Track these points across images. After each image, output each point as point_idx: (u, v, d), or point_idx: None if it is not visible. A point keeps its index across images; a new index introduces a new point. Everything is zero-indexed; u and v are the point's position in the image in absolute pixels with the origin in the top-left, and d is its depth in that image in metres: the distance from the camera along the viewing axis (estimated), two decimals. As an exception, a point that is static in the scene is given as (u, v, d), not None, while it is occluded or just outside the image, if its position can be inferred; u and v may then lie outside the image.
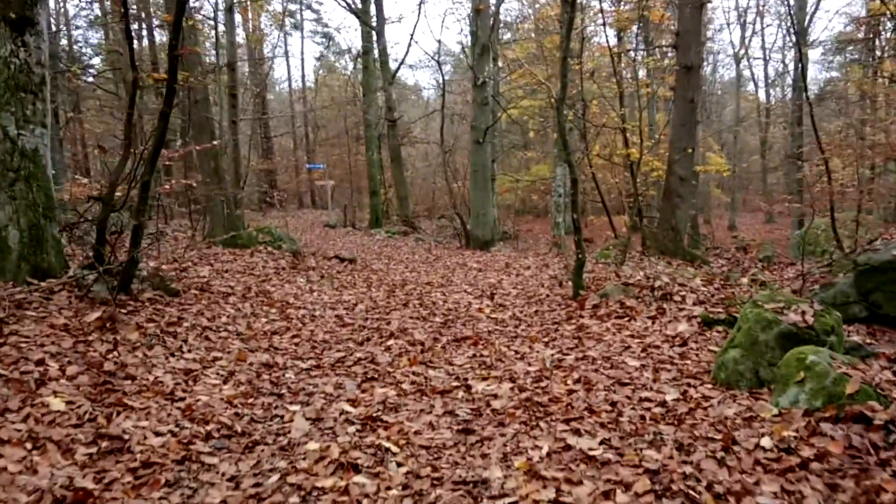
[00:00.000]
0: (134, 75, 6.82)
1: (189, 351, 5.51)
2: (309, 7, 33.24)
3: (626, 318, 6.77)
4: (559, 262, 12.60)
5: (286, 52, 37.10)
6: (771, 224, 33.01)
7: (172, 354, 5.35)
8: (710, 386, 4.73)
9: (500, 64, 24.66)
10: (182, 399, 4.55)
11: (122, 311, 6.02)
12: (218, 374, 5.18)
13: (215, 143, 11.38)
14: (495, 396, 4.80)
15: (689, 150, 12.16)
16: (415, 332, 6.91)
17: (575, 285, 7.81)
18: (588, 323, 6.81)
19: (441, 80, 20.69)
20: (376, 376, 5.39)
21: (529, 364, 5.59)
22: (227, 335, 6.19)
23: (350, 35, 66.66)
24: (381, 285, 10.53)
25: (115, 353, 5.06)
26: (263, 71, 29.04)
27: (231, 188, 15.94)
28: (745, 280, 8.53)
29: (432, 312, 8.01)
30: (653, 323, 6.58)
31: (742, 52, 33.05)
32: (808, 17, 26.39)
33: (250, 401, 4.72)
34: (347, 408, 4.61)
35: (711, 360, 5.30)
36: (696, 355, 5.53)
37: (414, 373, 5.49)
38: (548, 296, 8.52)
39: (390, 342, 6.51)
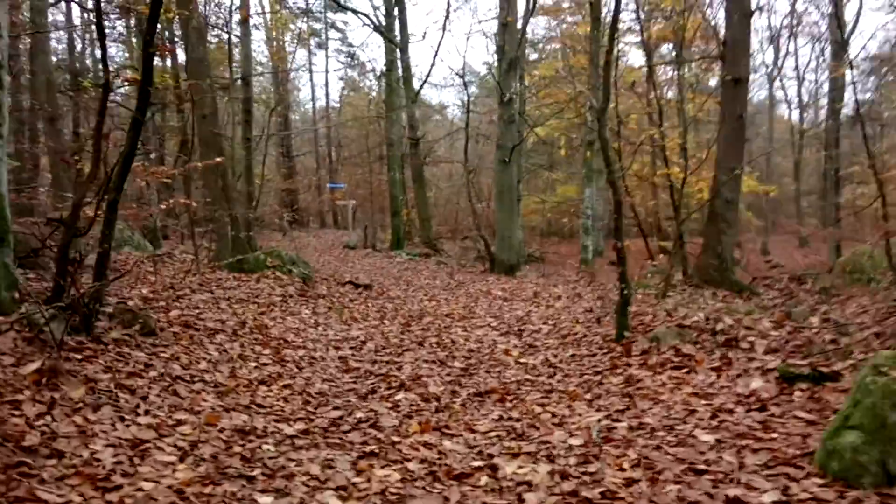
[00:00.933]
0: (105, 76, 5.76)
1: (146, 412, 4.35)
2: (333, 26, 32.46)
3: (685, 370, 5.52)
4: (592, 291, 11.36)
5: (310, 71, 36.45)
6: (805, 248, 31.44)
7: (122, 418, 4.18)
8: (818, 480, 3.47)
9: (526, 83, 23.58)
10: (117, 488, 3.39)
11: (78, 356, 4.89)
12: (176, 445, 4.00)
13: (219, 159, 10.33)
14: (529, 486, 3.59)
15: (738, 171, 10.90)
16: (429, 382, 5.72)
17: (619, 325, 6.58)
18: (638, 374, 5.57)
19: (466, 98, 19.60)
20: (378, 449, 4.18)
21: (571, 434, 4.36)
22: (202, 387, 5.03)
23: (374, 53, 66.20)
24: (395, 317, 9.36)
25: (48, 417, 3.93)
26: (286, 88, 28.23)
27: (243, 208, 14.92)
28: (814, 320, 7.24)
29: (451, 354, 6.81)
30: (718, 377, 5.32)
31: (775, 72, 31.72)
32: (847, 33, 24.97)
33: (208, 489, 3.53)
34: (335, 502, 3.42)
35: (806, 433, 4.04)
36: (783, 426, 4.26)
37: (425, 444, 4.29)
38: (585, 335, 7.28)
39: (399, 396, 5.30)
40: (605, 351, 6.37)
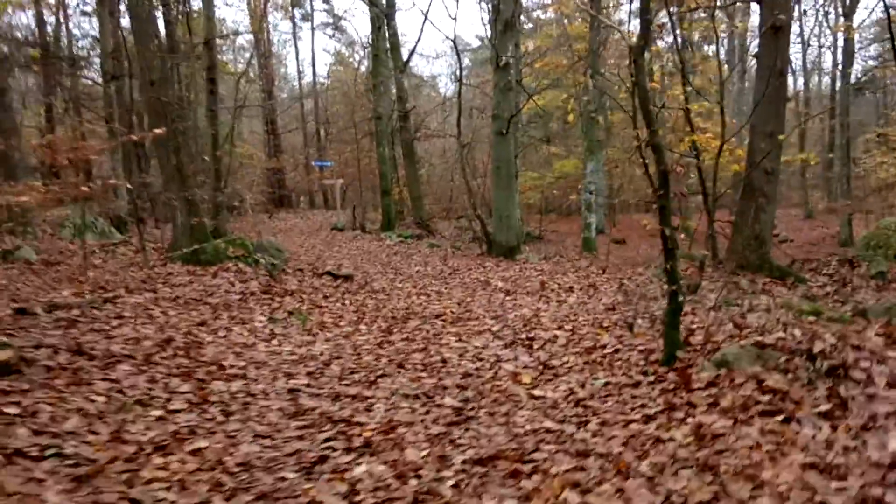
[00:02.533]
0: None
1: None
2: (319, -4, 30.24)
3: (780, 418, 3.66)
4: (608, 280, 9.49)
5: (295, 45, 34.16)
6: (811, 221, 29.60)
7: None
8: None
9: (521, 50, 21.52)
10: None
11: None
12: None
13: (159, 130, 8.36)
14: None
15: (779, 136, 9.01)
16: (408, 437, 3.85)
17: (668, 342, 4.70)
18: (712, 423, 3.70)
19: (457, 66, 17.52)
20: None
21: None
22: (51, 468, 3.16)
23: (361, 23, 63.66)
24: (376, 319, 7.49)
25: None
26: (269, 63, 26.11)
27: (210, 188, 13.01)
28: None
29: (440, 382, 4.93)
30: (834, 429, 3.46)
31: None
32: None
33: None
34: None
35: None
36: None
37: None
38: (616, 350, 5.41)
39: (361, 469, 3.43)
40: (653, 379, 4.50)
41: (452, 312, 7.77)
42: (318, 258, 14.20)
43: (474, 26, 68.25)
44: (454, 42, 15.50)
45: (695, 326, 5.40)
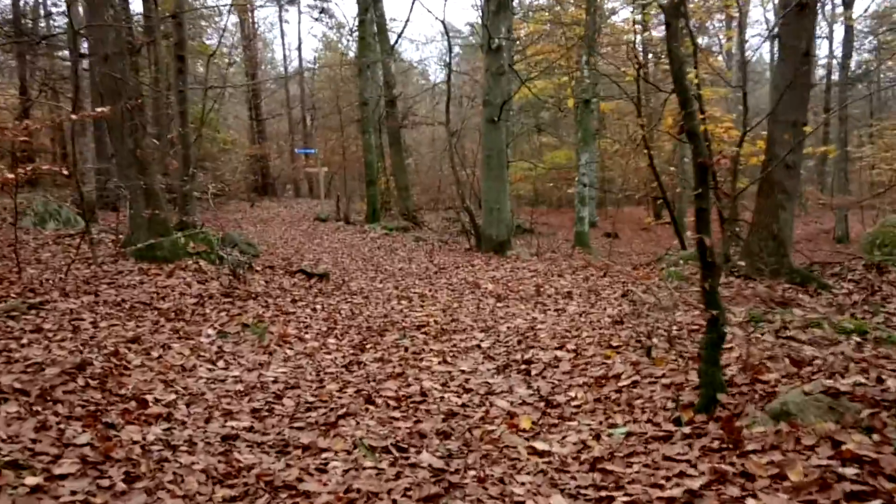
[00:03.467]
0: None
1: None
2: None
3: (878, 505, 2.63)
4: (610, 283, 8.44)
5: (281, 29, 32.90)
6: (805, 216, 28.69)
7: None
8: None
9: (513, 35, 20.38)
10: None
11: None
12: None
13: (102, 110, 7.21)
14: None
15: (803, 126, 7.97)
16: (370, 521, 2.81)
17: (707, 382, 3.64)
18: (780, 510, 2.68)
19: (447, 43, 16.34)
20: None
21: None
22: None
23: (350, 7, 62.18)
24: (347, 331, 6.41)
25: None
26: (253, 45, 24.80)
27: (169, 177, 11.86)
28: None
29: (417, 427, 3.84)
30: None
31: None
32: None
33: None
34: None
35: None
36: None
37: None
38: (634, 381, 4.35)
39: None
40: (689, 431, 3.45)
41: (436, 322, 6.70)
42: (296, 251, 13.11)
43: (465, 12, 67.00)
44: (443, 23, 14.34)
45: (731, 354, 4.33)
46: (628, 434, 3.56)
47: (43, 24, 19.85)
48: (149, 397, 4.02)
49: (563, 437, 3.61)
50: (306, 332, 6.21)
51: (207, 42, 25.66)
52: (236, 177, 25.71)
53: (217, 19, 20.69)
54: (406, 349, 5.62)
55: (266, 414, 4.03)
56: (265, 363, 5.05)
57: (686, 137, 3.84)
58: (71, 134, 9.41)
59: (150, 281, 7.46)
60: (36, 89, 19.84)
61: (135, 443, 3.42)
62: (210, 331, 5.59)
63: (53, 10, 19.79)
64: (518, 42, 21.92)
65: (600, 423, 3.78)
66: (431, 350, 5.59)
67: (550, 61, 20.24)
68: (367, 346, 5.77)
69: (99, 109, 7.07)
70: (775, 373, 3.83)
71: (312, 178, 26.91)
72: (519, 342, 5.74)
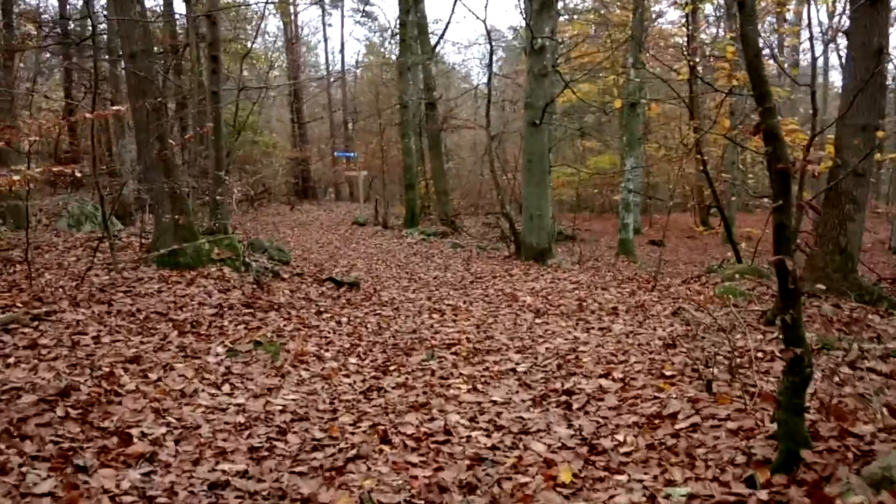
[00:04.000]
0: None
1: None
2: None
3: None
4: (659, 298, 7.72)
5: (324, 32, 32.68)
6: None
7: None
8: None
9: (557, 39, 19.66)
10: None
11: None
12: None
13: (111, 110, 6.78)
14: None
15: (875, 131, 7.17)
16: None
17: (787, 434, 2.96)
18: None
19: (488, 44, 15.68)
20: None
21: None
22: None
23: (392, 9, 61.94)
24: (372, 348, 5.85)
25: None
26: (296, 49, 24.48)
27: (211, 178, 11.48)
28: None
29: (436, 478, 3.24)
30: None
31: (829, 33, 27.20)
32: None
33: None
34: None
35: None
36: None
37: None
38: (694, 426, 3.66)
39: None
40: (767, 498, 2.78)
41: (469, 340, 6.09)
42: (330, 257, 12.65)
43: (508, 15, 66.20)
44: (485, 23, 13.72)
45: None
46: (690, 496, 2.90)
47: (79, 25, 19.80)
48: (134, 431, 3.50)
49: (611, 498, 2.97)
50: (327, 350, 5.66)
51: (251, 45, 25.53)
52: (277, 180, 25.51)
53: (256, 21, 20.39)
54: (433, 372, 5.03)
55: (265, 454, 3.47)
56: (275, 388, 4.50)
57: (763, 138, 3.16)
58: (91, 133, 9.05)
59: (169, 289, 7.01)
60: (81, 91, 19.83)
61: (105, 492, 2.89)
62: (220, 349, 5.07)
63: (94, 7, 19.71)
64: (562, 44, 21.21)
65: (654, 478, 3.13)
66: (461, 374, 4.98)
67: (595, 64, 19.48)
68: (391, 368, 5.19)
69: (115, 108, 6.66)
70: (870, 424, 3.13)
71: (353, 182, 26.53)
72: (559, 367, 5.10)
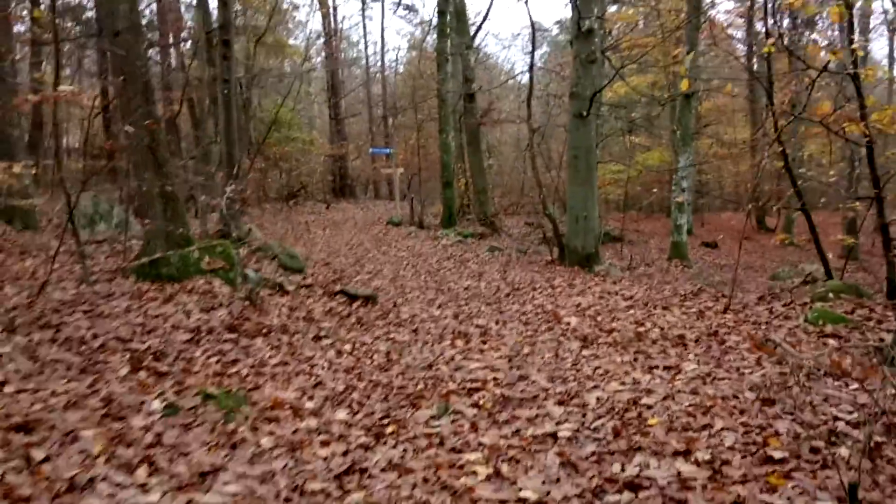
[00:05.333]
0: None
1: None
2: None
3: None
4: (734, 324, 6.13)
5: (364, 26, 31.45)
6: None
7: None
8: None
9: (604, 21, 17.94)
10: None
11: None
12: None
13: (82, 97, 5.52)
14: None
15: None
16: None
17: None
18: None
19: (530, 28, 14.12)
20: None
21: None
22: None
23: (433, 3, 60.75)
24: (370, 395, 4.44)
25: None
26: (334, 43, 23.22)
27: (218, 179, 10.24)
28: None
29: None
30: None
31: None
32: None
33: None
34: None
35: None
36: None
37: None
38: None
39: None
40: None
41: (497, 382, 4.64)
42: (356, 261, 11.32)
43: (553, 10, 64.25)
44: (526, 3, 12.14)
45: None
46: None
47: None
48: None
49: None
50: (311, 397, 4.28)
51: (292, 41, 24.44)
52: (315, 178, 24.37)
53: (294, 14, 19.21)
54: (442, 441, 3.59)
55: None
56: (214, 470, 3.11)
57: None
58: (89, 120, 7.83)
59: (140, 308, 5.72)
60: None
61: None
62: (156, 403, 3.70)
63: None
64: (610, 34, 19.49)
65: None
66: (480, 444, 3.53)
67: (646, 50, 17.73)
68: (388, 430, 3.77)
69: (65, 88, 5.37)
70: None
71: (390, 180, 25.25)
72: (616, 433, 3.61)
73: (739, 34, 24.77)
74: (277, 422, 3.79)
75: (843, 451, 3.16)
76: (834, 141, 19.96)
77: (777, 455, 3.17)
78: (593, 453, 3.40)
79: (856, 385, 4.19)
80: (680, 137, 15.77)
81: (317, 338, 5.72)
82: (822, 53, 7.58)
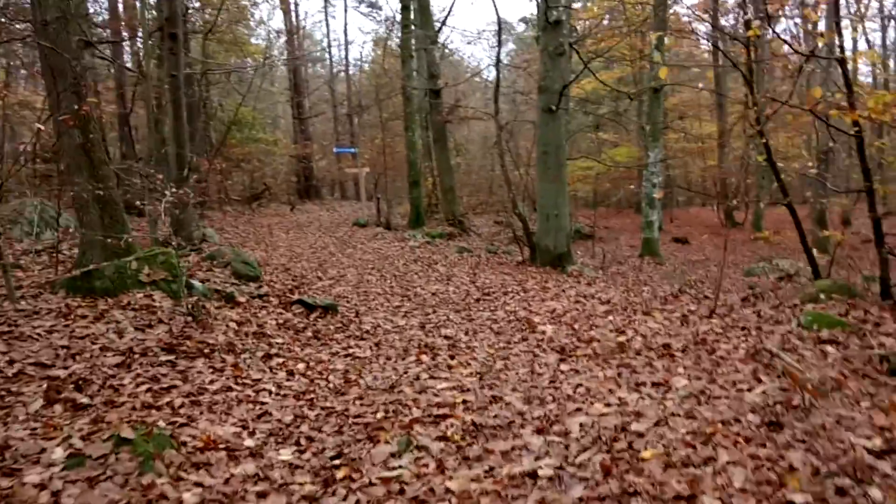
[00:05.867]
0: None
1: None
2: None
3: None
4: (723, 330, 5.63)
5: (326, 22, 30.59)
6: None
7: None
8: None
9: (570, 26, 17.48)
10: None
11: None
12: None
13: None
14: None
15: None
16: None
17: None
18: None
19: (497, 28, 13.54)
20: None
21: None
22: None
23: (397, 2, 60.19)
24: (322, 426, 3.84)
25: None
26: (295, 40, 22.43)
27: (166, 181, 9.50)
28: None
29: None
30: None
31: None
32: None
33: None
34: None
35: None
36: None
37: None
38: None
39: None
40: None
41: (466, 406, 4.07)
42: (319, 265, 10.66)
43: (519, 4, 64.04)
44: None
45: None
46: None
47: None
48: None
49: None
50: (251, 433, 3.66)
51: (254, 41, 23.59)
52: (279, 179, 23.57)
53: (252, 11, 18.40)
54: (403, 488, 3.00)
55: None
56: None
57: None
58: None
59: (66, 327, 5.04)
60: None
61: None
62: (58, 452, 3.05)
63: None
64: (576, 31, 19.05)
65: None
66: (447, 492, 2.95)
67: (614, 47, 17.34)
68: (340, 475, 3.17)
69: None
70: None
71: (356, 180, 24.54)
72: (606, 471, 3.06)
73: (703, 28, 24.57)
74: (208, 468, 3.17)
75: (876, 494, 2.65)
76: (803, 133, 19.77)
77: (798, 500, 2.65)
78: (580, 500, 2.84)
79: (868, 402, 3.71)
80: (649, 132, 15.39)
81: (267, 356, 5.09)
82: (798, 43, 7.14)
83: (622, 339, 5.34)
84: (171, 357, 4.77)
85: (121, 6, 15.09)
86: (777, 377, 4.25)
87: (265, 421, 3.84)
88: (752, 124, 6.25)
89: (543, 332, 5.85)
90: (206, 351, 4.94)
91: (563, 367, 4.83)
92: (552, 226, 10.85)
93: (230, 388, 4.33)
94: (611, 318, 6.26)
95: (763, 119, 6.41)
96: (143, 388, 4.20)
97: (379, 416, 3.93)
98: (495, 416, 3.91)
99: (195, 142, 20.11)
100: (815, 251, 7.28)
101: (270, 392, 4.33)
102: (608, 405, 3.96)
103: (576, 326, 6.02)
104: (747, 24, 6.43)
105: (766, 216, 21.96)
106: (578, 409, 3.92)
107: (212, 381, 4.42)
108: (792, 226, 7.16)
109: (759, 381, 4.23)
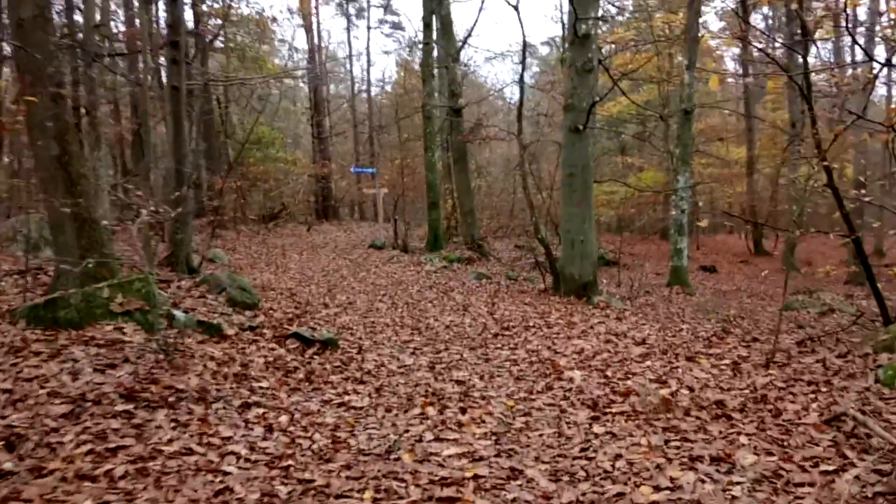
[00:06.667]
0: None
1: None
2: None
3: None
4: (787, 383, 4.71)
5: (349, 43, 30.26)
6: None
7: None
8: None
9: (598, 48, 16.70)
10: None
11: None
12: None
13: None
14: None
15: None
16: None
17: None
18: None
19: (521, 34, 12.76)
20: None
21: None
22: None
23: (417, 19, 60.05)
24: (298, 502, 2.99)
25: None
26: (319, 60, 21.90)
27: (163, 199, 8.82)
28: None
29: None
30: None
31: None
32: None
33: None
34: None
35: None
36: None
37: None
38: None
39: None
40: None
41: (478, 484, 3.20)
42: (328, 290, 9.88)
43: (542, 27, 63.69)
44: (517, 8, 10.81)
45: None
46: None
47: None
48: None
49: None
50: (202, 520, 2.83)
51: (277, 61, 23.13)
52: (297, 198, 22.95)
53: (273, 27, 17.88)
54: None
55: None
56: None
57: None
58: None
59: (12, 367, 4.26)
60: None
61: None
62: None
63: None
64: (602, 54, 18.28)
65: None
66: None
67: (643, 66, 16.50)
68: None
69: None
70: None
71: (374, 201, 23.85)
72: None
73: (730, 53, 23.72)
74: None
75: None
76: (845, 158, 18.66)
77: None
78: None
79: None
80: (679, 156, 14.47)
81: (244, 406, 4.26)
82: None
83: (665, 392, 4.43)
84: (130, 406, 3.96)
85: (137, 22, 14.56)
86: (864, 452, 3.34)
87: (222, 501, 3.00)
88: (815, 146, 5.32)
89: (571, 380, 4.96)
90: (170, 399, 4.12)
91: (597, 428, 3.94)
92: (577, 252, 9.96)
93: (190, 451, 3.50)
94: (649, 363, 5.35)
95: (823, 140, 5.52)
96: (86, 448, 3.39)
97: (367, 497, 3.07)
98: (514, 501, 3.03)
99: (213, 160, 19.60)
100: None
101: (239, 457, 3.49)
102: (657, 489, 3.07)
103: (608, 373, 5.12)
104: (804, 31, 5.57)
105: (799, 247, 20.85)
106: (621, 495, 3.03)
107: (170, 441, 3.59)
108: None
109: (845, 457, 3.32)
